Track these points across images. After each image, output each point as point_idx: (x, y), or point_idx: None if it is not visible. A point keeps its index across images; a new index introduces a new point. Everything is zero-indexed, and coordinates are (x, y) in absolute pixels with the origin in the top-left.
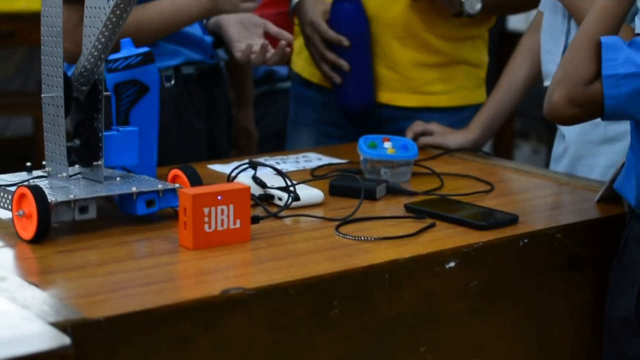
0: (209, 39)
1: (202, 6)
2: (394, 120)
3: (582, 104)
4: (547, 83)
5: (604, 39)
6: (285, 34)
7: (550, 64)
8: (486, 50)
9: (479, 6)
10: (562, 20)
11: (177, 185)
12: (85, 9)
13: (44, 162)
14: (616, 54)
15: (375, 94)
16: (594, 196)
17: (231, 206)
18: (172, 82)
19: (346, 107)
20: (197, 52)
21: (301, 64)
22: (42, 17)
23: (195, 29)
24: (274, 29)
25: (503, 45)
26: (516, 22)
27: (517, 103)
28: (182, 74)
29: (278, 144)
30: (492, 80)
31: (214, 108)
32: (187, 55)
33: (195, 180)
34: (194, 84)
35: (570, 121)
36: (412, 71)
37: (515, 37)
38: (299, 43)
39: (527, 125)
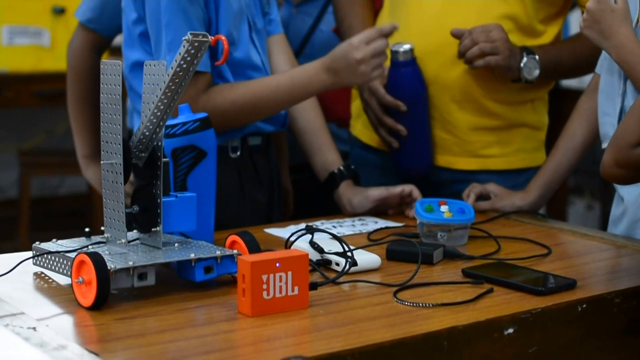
0: None
1: (321, 81)
2: (452, 184)
3: (627, 165)
4: (605, 145)
5: None
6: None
7: (608, 126)
8: (546, 111)
9: (537, 72)
10: (618, 82)
11: (235, 251)
12: (144, 76)
13: (102, 228)
14: None
15: (433, 157)
16: None
17: (289, 273)
18: (238, 153)
19: (404, 171)
20: (269, 122)
21: (360, 127)
22: (101, 85)
23: None
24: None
25: (556, 102)
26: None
27: (575, 165)
28: (249, 145)
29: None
30: (546, 138)
31: (274, 176)
32: (256, 125)
33: (254, 246)
34: (260, 155)
35: (621, 181)
36: (470, 135)
37: (567, 94)
38: (357, 107)
39: (581, 181)
